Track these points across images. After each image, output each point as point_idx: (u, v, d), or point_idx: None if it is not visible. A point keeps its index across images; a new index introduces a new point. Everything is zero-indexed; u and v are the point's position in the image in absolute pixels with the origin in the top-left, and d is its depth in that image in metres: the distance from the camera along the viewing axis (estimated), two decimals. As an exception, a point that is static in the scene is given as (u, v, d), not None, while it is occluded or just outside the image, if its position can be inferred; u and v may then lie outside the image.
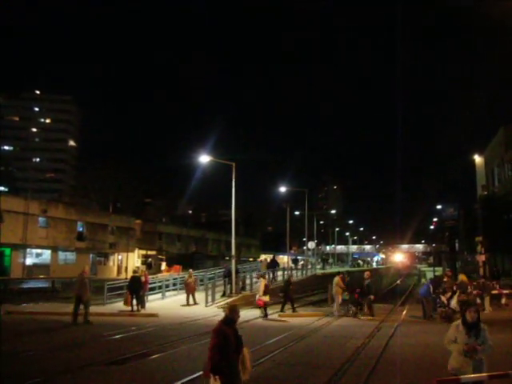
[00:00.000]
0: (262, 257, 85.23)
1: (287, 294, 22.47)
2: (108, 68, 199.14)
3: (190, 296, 24.55)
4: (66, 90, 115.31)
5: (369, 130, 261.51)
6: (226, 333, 6.28)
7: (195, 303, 24.29)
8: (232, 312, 6.66)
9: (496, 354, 11.48)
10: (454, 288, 19.61)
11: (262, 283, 21.28)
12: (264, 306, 20.51)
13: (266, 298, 20.58)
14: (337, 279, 22.27)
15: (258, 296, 21.16)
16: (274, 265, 38.94)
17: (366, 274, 21.44)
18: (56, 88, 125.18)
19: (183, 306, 24.03)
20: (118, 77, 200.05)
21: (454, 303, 18.61)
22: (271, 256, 53.00)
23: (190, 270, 27.24)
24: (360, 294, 20.44)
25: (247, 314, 21.11)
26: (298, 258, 56.15)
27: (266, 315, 20.35)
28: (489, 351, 6.64)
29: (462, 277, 20.26)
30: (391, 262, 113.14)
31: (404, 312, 22.08)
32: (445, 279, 21.40)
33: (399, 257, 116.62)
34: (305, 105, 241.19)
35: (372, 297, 20.52)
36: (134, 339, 14.55)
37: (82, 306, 17.90)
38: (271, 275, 35.44)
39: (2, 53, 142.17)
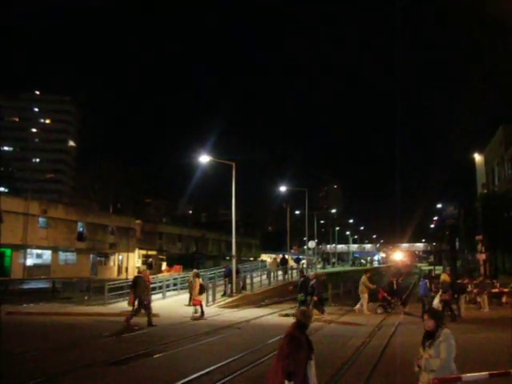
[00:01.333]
0: (263, 256, 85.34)
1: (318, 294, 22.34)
2: (108, 68, 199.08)
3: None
4: (65, 90, 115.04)
5: (369, 129, 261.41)
6: (300, 339, 6.17)
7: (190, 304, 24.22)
8: (305, 317, 6.46)
9: (497, 353, 11.54)
10: (433, 287, 19.69)
11: (197, 283, 21.13)
12: (200, 305, 20.59)
13: (201, 298, 20.75)
14: (364, 278, 22.13)
15: (193, 296, 21.22)
16: (284, 263, 39.96)
17: (311, 275, 21.63)
18: (55, 89, 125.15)
19: (186, 305, 24.03)
20: (117, 77, 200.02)
21: (436, 303, 18.65)
22: (272, 256, 53.12)
23: (195, 270, 27.19)
24: (306, 295, 20.43)
25: (248, 314, 21.15)
26: (300, 257, 56.17)
27: (202, 314, 20.30)
28: (436, 367, 5.42)
29: (443, 276, 20.18)
30: (391, 260, 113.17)
31: (405, 311, 22.09)
32: (443, 278, 21.37)
33: (399, 255, 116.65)
34: (305, 105, 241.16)
35: (315, 298, 20.41)
36: (135, 339, 14.55)
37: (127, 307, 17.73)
38: (279, 273, 36.33)
39: (2, 53, 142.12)
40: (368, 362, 11.19)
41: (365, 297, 21.37)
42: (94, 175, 70.76)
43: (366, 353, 12.45)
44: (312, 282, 20.82)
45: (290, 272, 38.62)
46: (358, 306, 21.48)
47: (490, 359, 11.01)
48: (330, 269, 67.96)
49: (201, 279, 21.79)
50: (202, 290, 20.90)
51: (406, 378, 9.45)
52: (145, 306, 17.35)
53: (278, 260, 44.77)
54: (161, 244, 67.98)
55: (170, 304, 24.79)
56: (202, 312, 20.31)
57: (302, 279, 22.48)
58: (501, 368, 6.38)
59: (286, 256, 43.87)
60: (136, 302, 21.29)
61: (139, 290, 17.81)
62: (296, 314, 6.29)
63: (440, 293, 18.68)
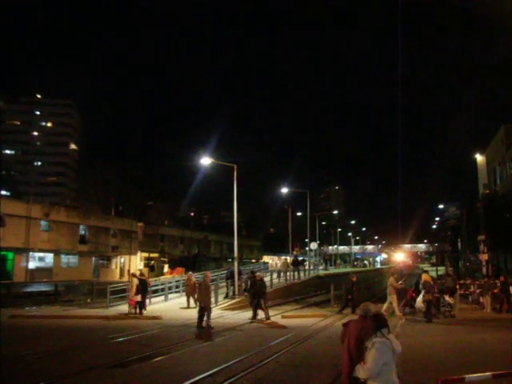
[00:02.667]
0: (265, 258, 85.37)
1: (351, 295, 22.27)
2: (109, 71, 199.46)
3: (191, 298, 24.55)
4: (66, 93, 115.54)
5: (370, 130, 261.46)
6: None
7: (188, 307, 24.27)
8: (367, 310, 6.25)
9: (499, 353, 11.52)
10: (420, 287, 19.64)
11: (133, 283, 21.29)
12: (135, 306, 20.86)
13: (138, 298, 20.94)
14: (391, 279, 22.04)
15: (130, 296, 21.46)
16: (297, 263, 40.41)
17: (258, 275, 21.67)
18: (57, 92, 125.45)
19: (183, 308, 24.07)
20: (118, 80, 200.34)
21: (418, 303, 18.59)
22: (280, 257, 53.04)
23: (190, 273, 27.20)
24: (253, 295, 20.44)
25: (250, 316, 21.12)
26: (305, 258, 56.26)
27: (141, 313, 20.73)
28: (360, 375, 5.10)
29: (425, 276, 20.10)
30: (393, 261, 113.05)
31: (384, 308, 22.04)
32: (424, 278, 21.26)
33: (401, 256, 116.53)
34: (306, 106, 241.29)
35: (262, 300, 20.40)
36: (138, 342, 14.56)
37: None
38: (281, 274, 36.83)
39: (3, 57, 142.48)
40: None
41: (394, 298, 21.13)
42: (95, 178, 70.73)
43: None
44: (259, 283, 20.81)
45: (295, 273, 38.49)
46: (385, 306, 21.34)
47: (492, 360, 11.00)
48: (332, 270, 67.86)
49: (136, 280, 21.62)
50: (138, 290, 21.03)
51: (408, 378, 9.46)
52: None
53: (289, 261, 44.91)
54: (163, 246, 67.94)
55: (173, 306, 24.81)
56: (141, 312, 20.88)
57: (250, 279, 22.47)
58: (503, 369, 6.39)
59: (288, 258, 43.95)
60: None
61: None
62: (362, 308, 6.12)
63: (423, 293, 18.62)
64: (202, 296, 17.98)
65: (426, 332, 16.26)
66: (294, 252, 72.24)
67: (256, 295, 20.14)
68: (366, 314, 5.80)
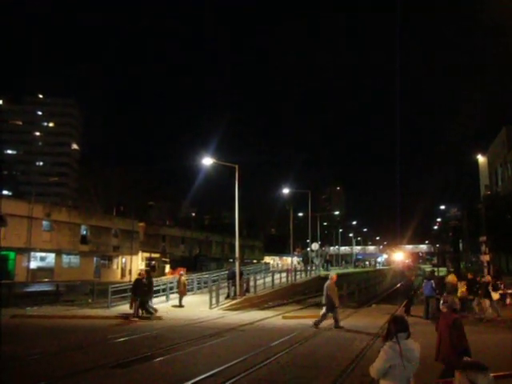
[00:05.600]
0: (266, 259, 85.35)
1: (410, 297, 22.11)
2: (110, 71, 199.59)
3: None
4: (68, 93, 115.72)
5: (371, 130, 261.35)
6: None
7: (180, 305, 24.34)
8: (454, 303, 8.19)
9: (501, 354, 11.48)
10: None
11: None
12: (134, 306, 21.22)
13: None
14: (450, 277, 22.12)
15: None
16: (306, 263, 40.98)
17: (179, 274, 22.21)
18: (59, 92, 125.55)
19: (174, 306, 24.29)
20: (120, 80, 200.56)
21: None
22: (275, 258, 53.10)
23: (181, 272, 27.33)
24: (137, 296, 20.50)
25: (252, 316, 21.14)
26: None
27: (140, 314, 20.84)
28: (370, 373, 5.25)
29: (450, 278, 20.06)
30: (394, 262, 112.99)
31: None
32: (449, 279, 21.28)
33: (401, 257, 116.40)
34: (307, 107, 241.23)
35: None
36: (138, 342, 14.56)
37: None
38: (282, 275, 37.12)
39: (5, 57, 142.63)
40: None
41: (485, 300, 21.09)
42: (97, 178, 70.81)
43: (370, 355, 12.42)
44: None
45: (294, 274, 38.58)
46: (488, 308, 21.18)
47: (493, 361, 10.95)
48: (333, 271, 67.80)
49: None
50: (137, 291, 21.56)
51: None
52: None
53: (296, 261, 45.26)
54: (164, 246, 68.01)
55: (174, 306, 24.79)
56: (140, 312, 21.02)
57: (136, 280, 21.80)
58: (505, 370, 6.38)
59: (289, 258, 44.11)
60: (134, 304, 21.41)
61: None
62: (449, 303, 8.02)
63: (444, 294, 18.53)
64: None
65: (425, 332, 16.17)
66: (295, 253, 72.29)
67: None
68: (452, 307, 7.71)
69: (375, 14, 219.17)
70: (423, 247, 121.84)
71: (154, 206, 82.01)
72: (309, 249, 62.68)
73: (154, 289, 26.94)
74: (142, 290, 20.44)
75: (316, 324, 17.21)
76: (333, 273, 19.76)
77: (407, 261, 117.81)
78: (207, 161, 29.41)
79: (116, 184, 69.77)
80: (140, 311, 20.38)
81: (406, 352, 5.01)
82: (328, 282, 17.60)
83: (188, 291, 27.79)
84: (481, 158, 52.11)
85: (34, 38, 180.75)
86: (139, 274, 23.32)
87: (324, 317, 17.33)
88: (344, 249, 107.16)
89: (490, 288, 19.81)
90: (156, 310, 20.99)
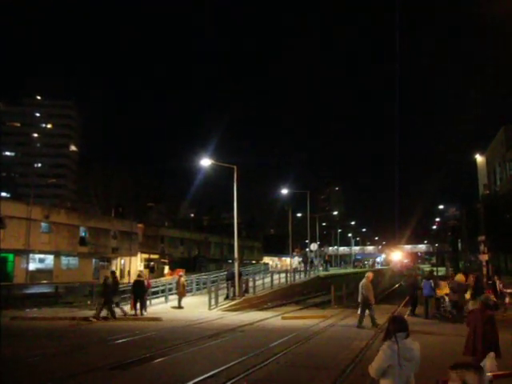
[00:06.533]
0: (265, 259, 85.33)
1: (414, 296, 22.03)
2: (109, 72, 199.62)
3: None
4: (67, 94, 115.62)
5: (370, 131, 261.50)
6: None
7: (179, 306, 24.38)
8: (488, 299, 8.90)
9: (502, 354, 11.48)
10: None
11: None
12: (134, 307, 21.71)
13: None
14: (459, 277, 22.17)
15: None
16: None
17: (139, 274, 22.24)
18: (57, 94, 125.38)
19: (173, 307, 24.33)
20: (118, 81, 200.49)
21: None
22: (274, 258, 53.05)
23: (180, 273, 27.36)
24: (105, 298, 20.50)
25: (251, 317, 21.15)
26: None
27: (141, 314, 21.37)
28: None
29: (459, 277, 19.95)
30: (392, 262, 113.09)
31: (407, 313, 22.05)
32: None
33: (399, 256, 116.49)
34: (306, 107, 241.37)
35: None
36: (138, 343, 14.56)
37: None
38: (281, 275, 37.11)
39: (3, 58, 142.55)
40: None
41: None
42: (95, 180, 70.76)
43: (370, 355, 12.43)
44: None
45: (293, 274, 38.64)
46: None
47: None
48: (332, 271, 67.81)
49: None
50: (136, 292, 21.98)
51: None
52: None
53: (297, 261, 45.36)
54: (163, 248, 67.91)
55: (173, 308, 24.80)
56: (141, 313, 21.43)
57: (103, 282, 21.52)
58: (504, 369, 6.39)
59: (288, 259, 44.19)
60: (138, 305, 21.51)
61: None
62: (483, 299, 8.58)
63: (450, 293, 18.54)
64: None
65: (425, 332, 16.20)
66: (295, 253, 72.28)
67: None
68: (487, 302, 8.17)
69: (375, 13, 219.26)
70: (422, 247, 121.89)
71: (152, 207, 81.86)
72: (308, 249, 62.64)
73: (153, 290, 27.07)
74: (107, 292, 20.61)
75: (359, 325, 17.35)
76: (369, 272, 19.78)
77: (405, 261, 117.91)
78: (206, 162, 29.39)
79: (115, 185, 69.70)
80: (102, 312, 20.36)
81: (405, 351, 5.02)
82: (364, 281, 17.75)
83: (187, 292, 27.82)
84: (479, 158, 52.12)
85: (32, 39, 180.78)
86: (139, 276, 23.45)
87: (363, 314, 17.52)
88: (343, 249, 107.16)
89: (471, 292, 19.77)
90: (125, 313, 21.15)
